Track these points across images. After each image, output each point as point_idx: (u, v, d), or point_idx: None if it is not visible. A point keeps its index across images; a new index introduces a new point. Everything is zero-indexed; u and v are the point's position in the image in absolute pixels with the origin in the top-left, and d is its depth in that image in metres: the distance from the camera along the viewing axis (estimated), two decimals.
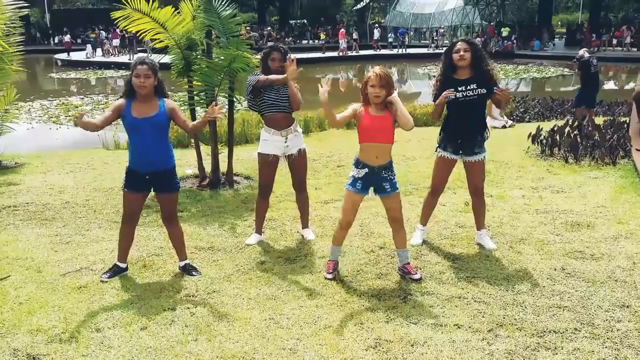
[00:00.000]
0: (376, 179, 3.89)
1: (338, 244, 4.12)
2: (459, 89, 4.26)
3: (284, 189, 5.92)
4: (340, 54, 34.56)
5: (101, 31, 38.11)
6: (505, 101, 4.48)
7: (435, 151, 4.53)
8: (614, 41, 34.20)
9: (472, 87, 4.26)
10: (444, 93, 4.26)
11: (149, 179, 3.94)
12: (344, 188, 3.99)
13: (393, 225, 4.04)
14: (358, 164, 3.89)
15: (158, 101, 3.90)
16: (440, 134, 4.50)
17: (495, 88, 4.24)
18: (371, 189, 3.96)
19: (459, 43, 4.32)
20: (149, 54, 25.78)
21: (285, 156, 4.70)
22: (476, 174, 4.48)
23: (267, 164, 4.64)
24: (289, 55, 4.55)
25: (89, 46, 34.67)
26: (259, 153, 4.69)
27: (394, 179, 3.94)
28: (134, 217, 4.11)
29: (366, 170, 3.87)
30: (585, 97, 9.95)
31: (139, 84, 3.79)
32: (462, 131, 4.37)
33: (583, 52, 10.15)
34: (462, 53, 4.25)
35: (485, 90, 4.28)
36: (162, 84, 3.94)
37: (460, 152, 4.42)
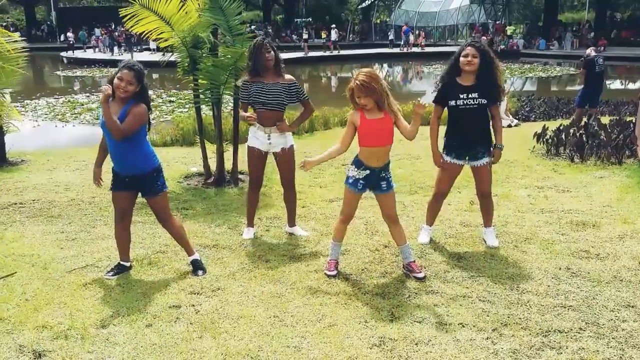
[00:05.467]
0: (376, 178, 3.89)
1: (339, 240, 4.10)
2: (460, 96, 4.17)
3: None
4: (405, 49, 35.54)
5: (96, 29, 38.66)
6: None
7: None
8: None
9: (472, 96, 4.15)
10: (442, 163, 4.35)
11: (129, 182, 3.93)
12: (345, 186, 3.96)
13: (387, 221, 4.05)
14: (360, 164, 3.85)
15: (127, 106, 3.77)
16: (444, 138, 4.43)
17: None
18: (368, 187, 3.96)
19: (469, 47, 4.16)
20: (154, 52, 26.01)
21: (271, 153, 4.72)
22: (483, 178, 4.39)
23: (254, 157, 4.70)
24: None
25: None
26: (247, 146, 4.74)
27: (390, 177, 3.94)
28: (124, 216, 4.08)
29: (367, 172, 3.85)
30: (589, 96, 9.92)
31: (120, 87, 3.71)
32: (462, 137, 4.29)
33: (590, 51, 10.12)
34: (470, 58, 4.11)
35: (486, 101, 4.19)
36: (145, 92, 3.83)
37: (466, 157, 4.36)
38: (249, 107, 4.72)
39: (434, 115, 4.38)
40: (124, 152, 3.83)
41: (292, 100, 4.68)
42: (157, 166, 3.97)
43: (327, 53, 34.70)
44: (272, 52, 4.58)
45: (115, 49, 34.77)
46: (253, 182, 4.82)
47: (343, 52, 34.84)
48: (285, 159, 4.70)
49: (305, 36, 35.48)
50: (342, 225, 4.07)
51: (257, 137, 4.65)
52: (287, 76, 4.68)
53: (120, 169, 3.91)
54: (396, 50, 36.45)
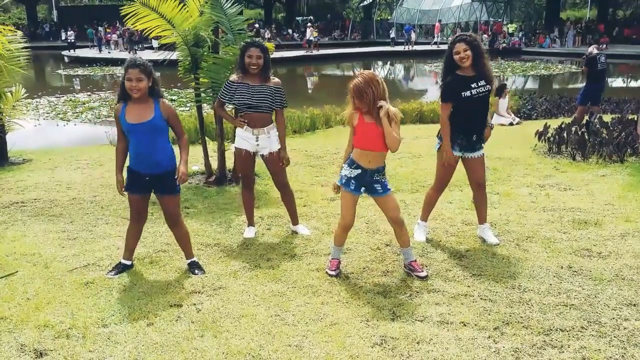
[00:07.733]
0: (368, 180, 3.85)
1: (340, 244, 4.10)
2: (472, 86, 4.24)
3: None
4: (407, 48, 35.75)
5: (99, 27, 38.94)
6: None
7: (438, 150, 4.48)
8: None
9: (481, 84, 4.26)
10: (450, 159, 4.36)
11: (149, 180, 3.91)
12: (340, 187, 3.94)
13: (394, 226, 3.99)
14: (352, 163, 3.84)
15: (153, 103, 3.81)
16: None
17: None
18: (362, 188, 3.90)
19: (457, 44, 4.21)
20: (155, 50, 26.07)
21: (259, 155, 4.70)
22: (478, 169, 4.46)
23: (242, 158, 4.69)
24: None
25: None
26: (234, 147, 4.74)
27: (385, 180, 3.90)
28: (140, 216, 4.10)
29: (359, 171, 3.82)
30: (591, 94, 9.90)
31: (131, 87, 3.72)
32: (471, 128, 4.34)
33: (592, 49, 10.11)
34: (462, 54, 4.18)
35: (490, 87, 4.31)
36: (157, 85, 3.84)
37: (467, 149, 4.40)
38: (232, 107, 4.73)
39: (445, 114, 4.36)
40: (154, 150, 3.84)
41: (276, 104, 4.62)
42: (176, 165, 3.98)
43: (314, 52, 33.16)
44: (262, 59, 4.50)
45: (110, 46, 34.73)
46: (244, 182, 4.84)
47: (338, 50, 34.37)
48: (274, 162, 4.70)
49: (267, 36, 33.76)
50: (342, 232, 4.05)
51: (245, 139, 4.62)
52: (275, 79, 4.66)
53: (144, 168, 3.87)
54: (397, 48, 36.37)
